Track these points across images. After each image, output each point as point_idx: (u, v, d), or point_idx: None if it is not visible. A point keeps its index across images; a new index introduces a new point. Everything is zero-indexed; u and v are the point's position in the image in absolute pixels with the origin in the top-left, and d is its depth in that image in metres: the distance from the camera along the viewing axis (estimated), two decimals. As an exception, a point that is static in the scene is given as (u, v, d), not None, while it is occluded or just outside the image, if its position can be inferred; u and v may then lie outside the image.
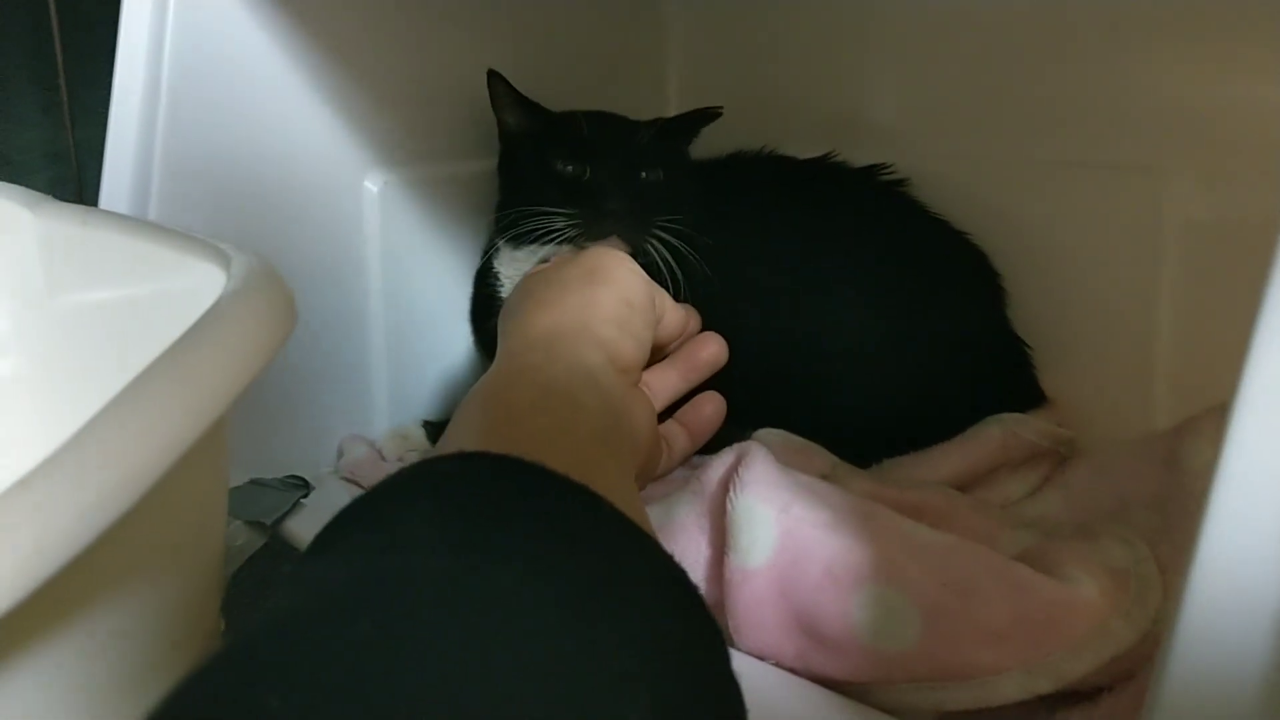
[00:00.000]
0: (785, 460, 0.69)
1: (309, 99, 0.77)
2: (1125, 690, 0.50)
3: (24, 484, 0.32)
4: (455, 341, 0.92)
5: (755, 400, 0.80)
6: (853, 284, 0.83)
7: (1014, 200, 0.88)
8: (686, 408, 0.74)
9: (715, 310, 0.82)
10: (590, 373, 0.55)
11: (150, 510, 0.35)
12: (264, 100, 0.74)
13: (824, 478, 0.68)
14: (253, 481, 0.66)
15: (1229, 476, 0.32)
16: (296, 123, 0.77)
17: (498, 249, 0.87)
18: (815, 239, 0.85)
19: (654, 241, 0.79)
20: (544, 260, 0.83)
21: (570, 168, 0.81)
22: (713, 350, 0.74)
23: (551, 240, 0.79)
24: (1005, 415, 0.76)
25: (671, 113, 0.90)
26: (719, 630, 0.35)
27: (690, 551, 0.60)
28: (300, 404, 0.78)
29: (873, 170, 0.89)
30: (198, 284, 0.50)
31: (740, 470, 0.59)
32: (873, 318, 0.82)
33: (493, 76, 0.84)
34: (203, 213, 0.71)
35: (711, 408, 0.75)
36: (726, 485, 0.59)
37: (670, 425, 0.73)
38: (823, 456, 0.74)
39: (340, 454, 0.80)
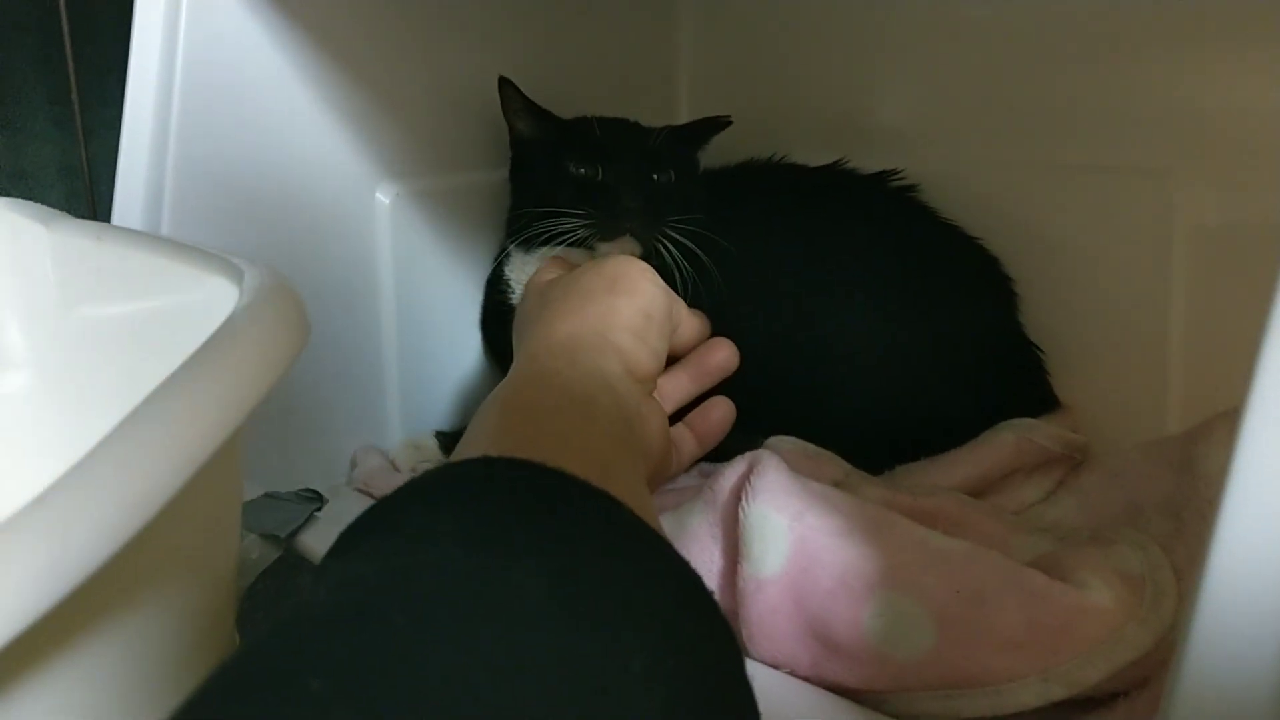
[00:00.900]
0: (798, 468, 0.69)
1: (320, 112, 0.78)
2: (1140, 696, 0.50)
3: (42, 501, 0.32)
4: (467, 351, 0.92)
5: (767, 407, 0.80)
6: (864, 290, 0.83)
7: (1025, 204, 0.88)
8: (695, 412, 0.75)
9: (726, 315, 0.82)
10: (607, 380, 0.56)
11: (165, 525, 0.36)
12: (275, 114, 0.75)
13: (837, 485, 0.68)
14: (267, 495, 0.66)
15: (1241, 481, 0.32)
16: (308, 136, 0.77)
17: (508, 254, 0.87)
18: (826, 245, 0.85)
19: (666, 242, 0.79)
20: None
21: (583, 169, 0.82)
22: (724, 355, 0.75)
23: (563, 241, 0.80)
24: (1018, 420, 0.76)
25: (682, 121, 0.90)
26: (732, 633, 0.36)
27: (703, 560, 0.60)
28: (313, 416, 0.79)
29: (883, 176, 0.89)
30: (211, 298, 0.50)
31: (752, 478, 0.59)
32: (884, 323, 0.82)
33: (504, 83, 0.84)
34: (215, 226, 0.72)
35: (720, 412, 0.75)
36: (739, 494, 0.59)
37: (679, 429, 0.73)
38: (835, 464, 0.73)
39: (354, 465, 0.80)
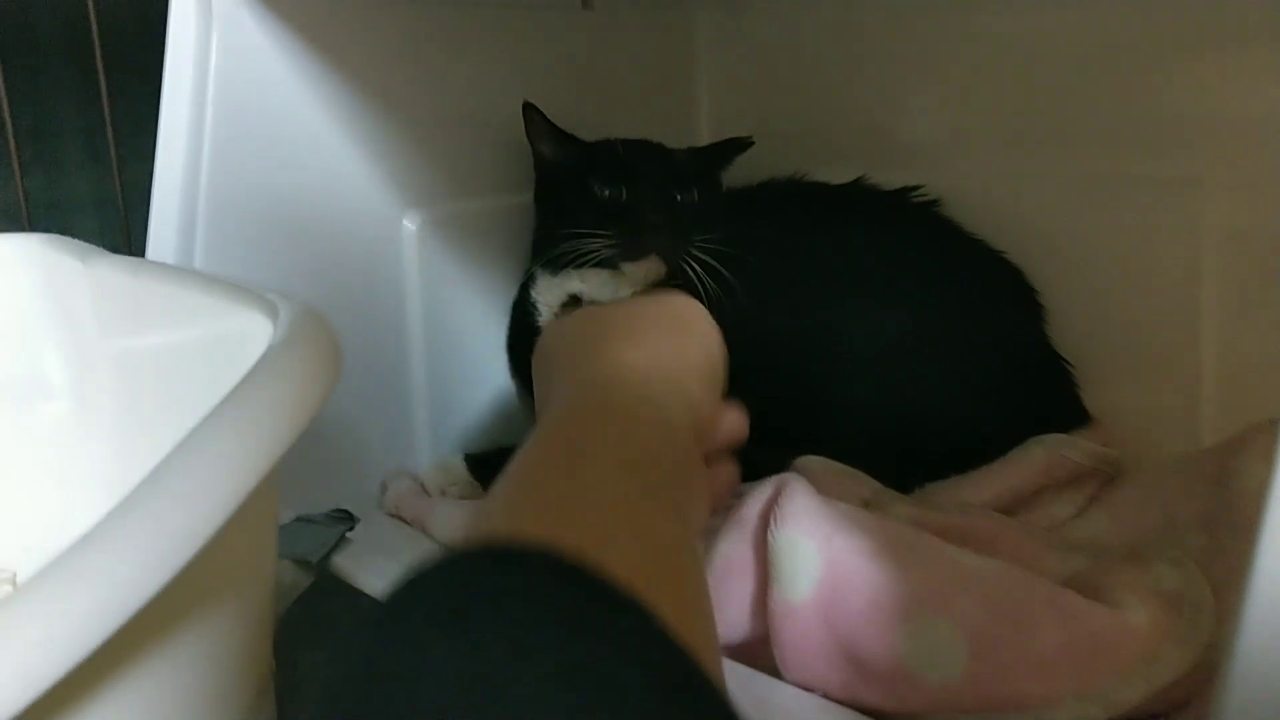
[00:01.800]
0: (826, 487, 0.69)
1: (347, 141, 0.79)
2: (1180, 718, 0.50)
3: (91, 538, 0.33)
4: (495, 374, 0.92)
5: (795, 426, 0.80)
6: (888, 307, 0.83)
7: (1051, 216, 0.87)
8: None
9: (751, 333, 0.82)
10: (673, 433, 0.47)
11: (206, 558, 0.36)
12: (304, 145, 0.76)
13: (865, 504, 0.68)
14: (299, 519, 0.67)
15: None
16: (336, 165, 0.78)
17: (534, 276, 0.87)
18: (849, 262, 0.85)
19: (692, 261, 0.79)
20: (575, 294, 0.84)
21: (608, 191, 0.82)
22: (733, 420, 0.67)
23: (588, 262, 0.80)
24: (1049, 436, 0.76)
25: (703, 141, 0.90)
26: None
27: (735, 586, 0.60)
28: (343, 439, 0.79)
29: (905, 192, 0.89)
30: (245, 332, 0.51)
31: (780, 503, 0.59)
32: (910, 339, 0.82)
33: (528, 108, 0.85)
34: (247, 254, 0.73)
35: (728, 473, 0.72)
36: (767, 518, 0.59)
37: None
38: (864, 482, 0.73)
39: (384, 489, 0.80)
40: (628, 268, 0.81)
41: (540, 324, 0.87)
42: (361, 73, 0.78)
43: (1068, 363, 0.84)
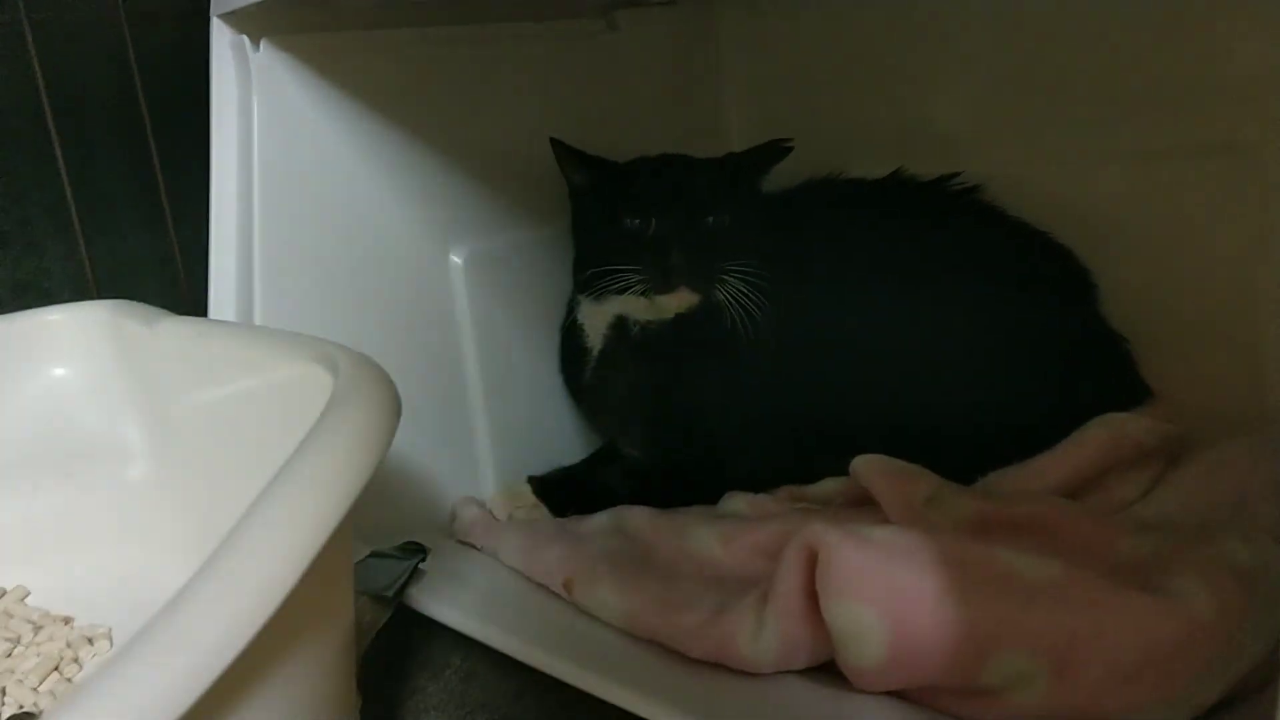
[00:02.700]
0: (886, 486, 0.69)
1: (390, 183, 0.81)
2: (1261, 700, 0.49)
3: (178, 603, 0.35)
4: (551, 396, 0.94)
5: (849, 429, 0.81)
6: (938, 297, 0.83)
7: (1097, 194, 0.87)
8: None
9: (796, 344, 0.83)
10: None
11: (289, 610, 0.38)
12: (348, 190, 0.78)
13: (928, 501, 0.68)
14: (372, 554, 0.69)
15: None
16: (381, 207, 0.81)
17: (578, 303, 0.90)
18: (894, 256, 0.85)
19: (723, 289, 0.80)
20: (620, 315, 0.86)
21: (636, 221, 0.83)
22: None
23: (626, 293, 0.83)
24: (1110, 415, 0.74)
25: (734, 144, 0.91)
26: None
27: (802, 657, 0.58)
28: (410, 472, 0.81)
29: (944, 180, 0.88)
30: (307, 382, 0.53)
31: (827, 571, 0.55)
32: (961, 329, 0.82)
33: (555, 142, 0.87)
34: (303, 303, 0.76)
35: None
36: (811, 587, 0.56)
37: None
38: (926, 478, 0.73)
39: (453, 518, 0.82)
40: (660, 300, 0.83)
41: (589, 345, 0.89)
42: (398, 114, 0.81)
43: (1125, 339, 0.83)
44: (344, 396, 0.45)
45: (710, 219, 0.84)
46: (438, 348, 0.84)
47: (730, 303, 0.80)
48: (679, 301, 0.83)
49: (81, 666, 0.63)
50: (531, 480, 0.85)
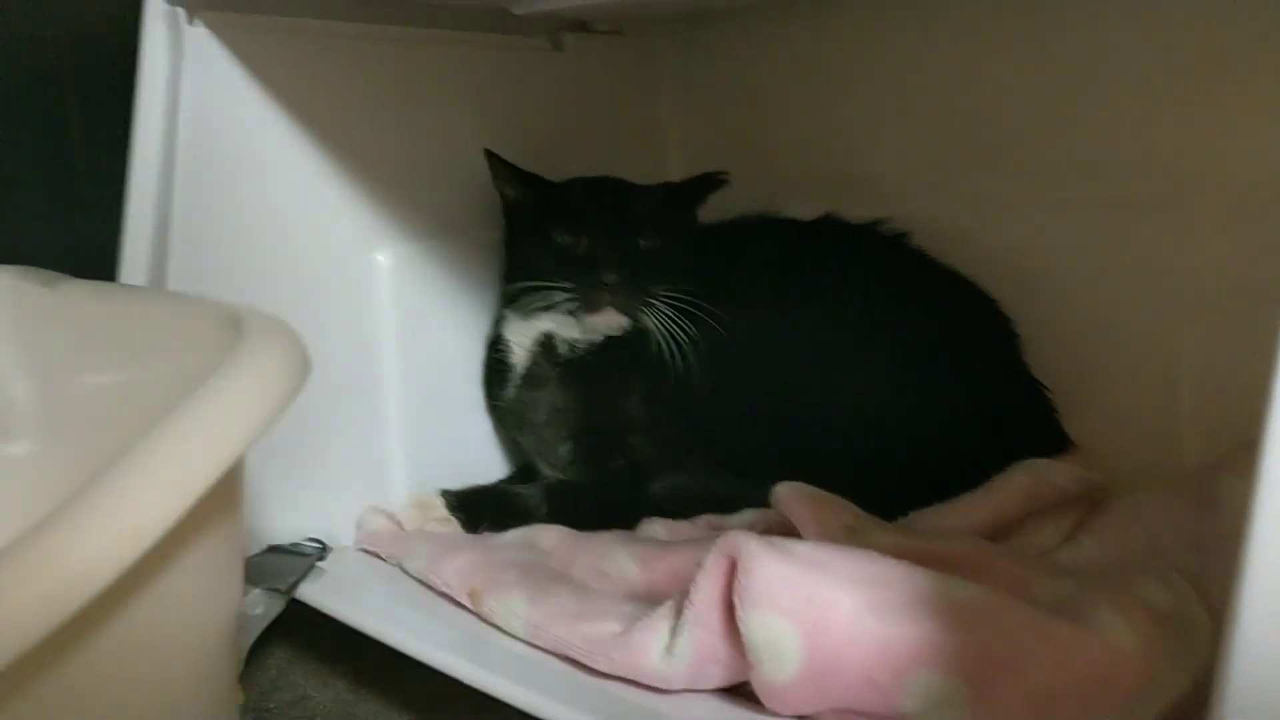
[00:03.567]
0: (807, 513, 0.67)
1: (318, 179, 0.79)
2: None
3: (43, 526, 0.32)
4: (471, 409, 0.92)
5: (773, 456, 0.80)
6: (863, 337, 0.83)
7: (1024, 244, 0.88)
8: None
9: (723, 371, 0.82)
10: None
11: (158, 569, 0.35)
12: (274, 182, 0.76)
13: (849, 530, 0.67)
14: (270, 549, 0.65)
15: (1265, 512, 0.32)
16: (305, 203, 0.78)
17: (505, 318, 0.88)
18: (822, 295, 0.86)
19: (649, 312, 0.80)
20: (548, 333, 0.85)
21: (568, 239, 0.83)
22: None
23: (553, 310, 0.82)
24: (1032, 461, 0.75)
25: (672, 174, 0.91)
26: None
27: (716, 673, 0.56)
28: (317, 475, 0.78)
29: (874, 225, 0.90)
30: (214, 351, 0.50)
31: (743, 580, 0.53)
32: (885, 369, 0.82)
33: (490, 155, 0.86)
34: (218, 289, 0.72)
35: None
36: (729, 597, 0.54)
37: None
38: (847, 508, 0.72)
39: (359, 527, 0.79)
40: (588, 320, 0.82)
41: (513, 361, 0.87)
42: (331, 107, 0.79)
43: (1045, 389, 0.84)
44: (245, 348, 0.43)
45: (642, 242, 0.84)
46: (355, 349, 0.81)
47: (658, 327, 0.80)
48: (607, 322, 0.82)
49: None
50: (445, 494, 0.82)
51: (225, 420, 0.37)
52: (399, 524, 0.79)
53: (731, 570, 0.54)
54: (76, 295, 0.62)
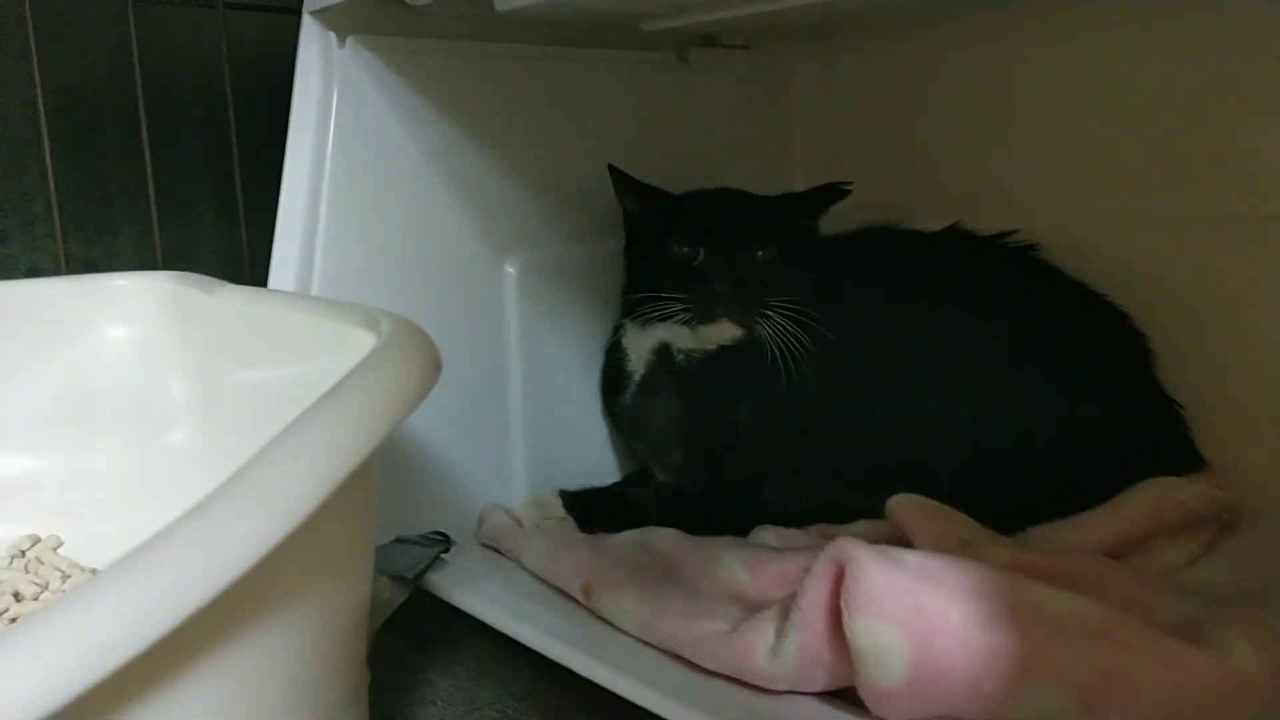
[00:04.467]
0: (922, 525, 0.67)
1: (453, 190, 0.83)
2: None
3: (193, 512, 0.35)
4: (590, 413, 0.95)
5: (889, 469, 0.80)
6: (988, 349, 0.82)
7: (1158, 258, 0.86)
8: None
9: (841, 387, 0.83)
10: None
11: (300, 551, 0.38)
12: (413, 191, 0.81)
13: (963, 544, 0.66)
14: (397, 540, 0.69)
15: None
16: (441, 211, 0.83)
17: (624, 327, 0.91)
18: (947, 308, 0.85)
19: (763, 322, 0.81)
20: (664, 343, 0.87)
21: (685, 250, 0.85)
22: None
23: (669, 320, 0.84)
24: (1159, 479, 0.73)
25: (797, 186, 0.92)
26: None
27: (820, 677, 0.57)
28: (443, 473, 0.82)
29: (1001, 237, 0.88)
30: (350, 340, 0.54)
31: (850, 586, 0.53)
32: (1010, 382, 0.80)
33: (613, 170, 0.89)
34: (358, 293, 0.77)
35: None
36: (836, 604, 0.54)
37: None
38: (962, 522, 0.71)
39: (480, 522, 0.82)
40: (702, 330, 0.84)
41: (631, 369, 0.90)
42: (467, 123, 0.83)
43: (1179, 405, 0.81)
44: (382, 348, 0.46)
45: (759, 253, 0.85)
46: (483, 353, 0.85)
47: (773, 338, 0.81)
48: (720, 332, 0.84)
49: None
50: (562, 494, 0.85)
51: (361, 415, 0.40)
52: (518, 521, 0.82)
53: (839, 576, 0.55)
54: (232, 299, 0.67)
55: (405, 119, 0.80)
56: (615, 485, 0.93)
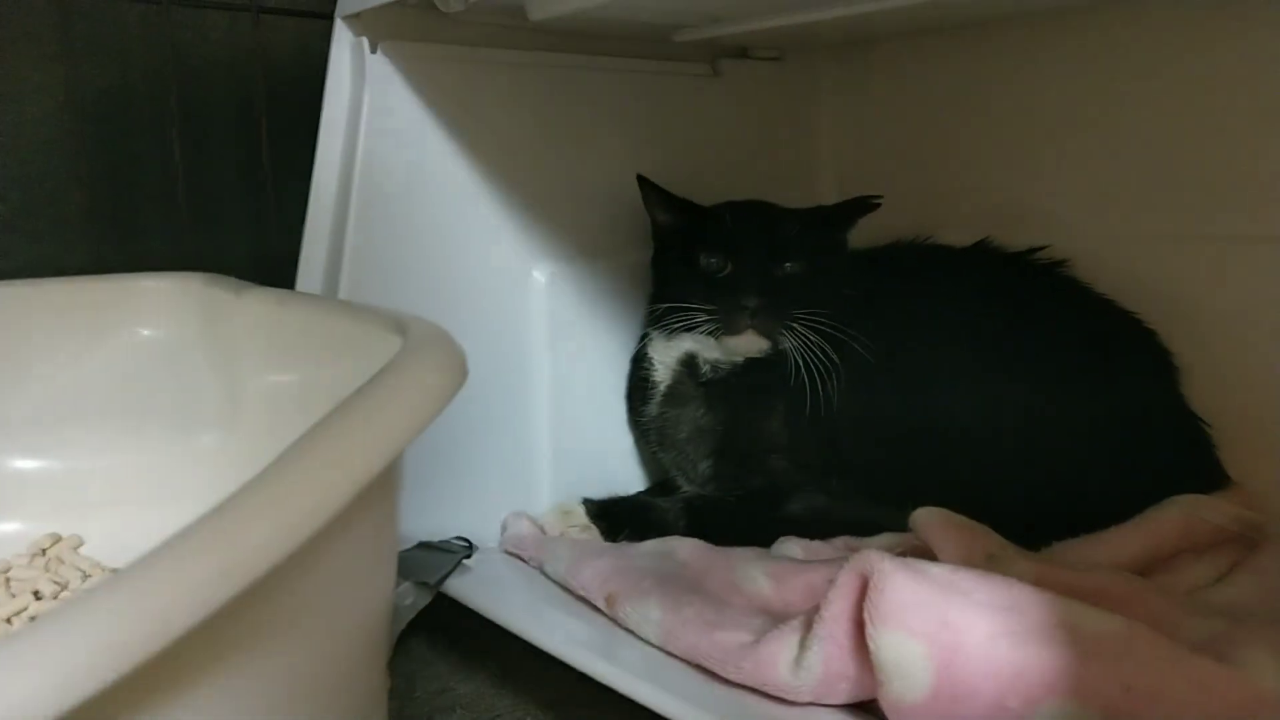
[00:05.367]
0: (947, 539, 0.67)
1: (481, 199, 0.83)
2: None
3: (215, 512, 0.35)
4: (616, 422, 0.95)
5: (913, 485, 0.79)
6: (1015, 365, 0.81)
7: (1187, 276, 0.85)
8: None
9: (867, 400, 0.82)
10: None
11: (320, 556, 0.38)
12: (442, 196, 0.81)
13: (989, 558, 0.66)
14: (420, 545, 0.69)
15: None
16: (471, 221, 0.83)
17: (651, 337, 0.91)
18: (974, 323, 0.84)
19: (789, 335, 0.81)
20: (691, 353, 0.87)
21: (713, 261, 0.85)
22: None
23: (695, 331, 0.84)
24: (1186, 496, 0.72)
25: (826, 199, 0.92)
26: None
27: (843, 690, 0.56)
28: (467, 479, 0.82)
29: (1030, 253, 0.88)
30: (381, 347, 0.54)
31: (874, 597, 0.53)
32: (1037, 398, 0.80)
33: (642, 180, 0.89)
34: (384, 297, 0.77)
35: None
36: (860, 615, 0.54)
37: None
38: (988, 536, 0.70)
39: (504, 529, 0.82)
40: (728, 342, 0.84)
41: (657, 379, 0.90)
42: (498, 129, 0.84)
43: (1206, 423, 0.80)
44: (407, 353, 0.46)
45: (787, 266, 0.85)
46: (510, 360, 0.85)
47: (799, 350, 0.80)
48: (747, 344, 0.84)
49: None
50: (587, 502, 0.85)
51: (386, 419, 0.40)
52: (541, 528, 0.82)
53: (864, 588, 0.54)
54: (261, 301, 0.68)
55: (436, 125, 0.80)
56: (640, 495, 0.93)
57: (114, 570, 0.68)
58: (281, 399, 0.68)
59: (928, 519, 0.70)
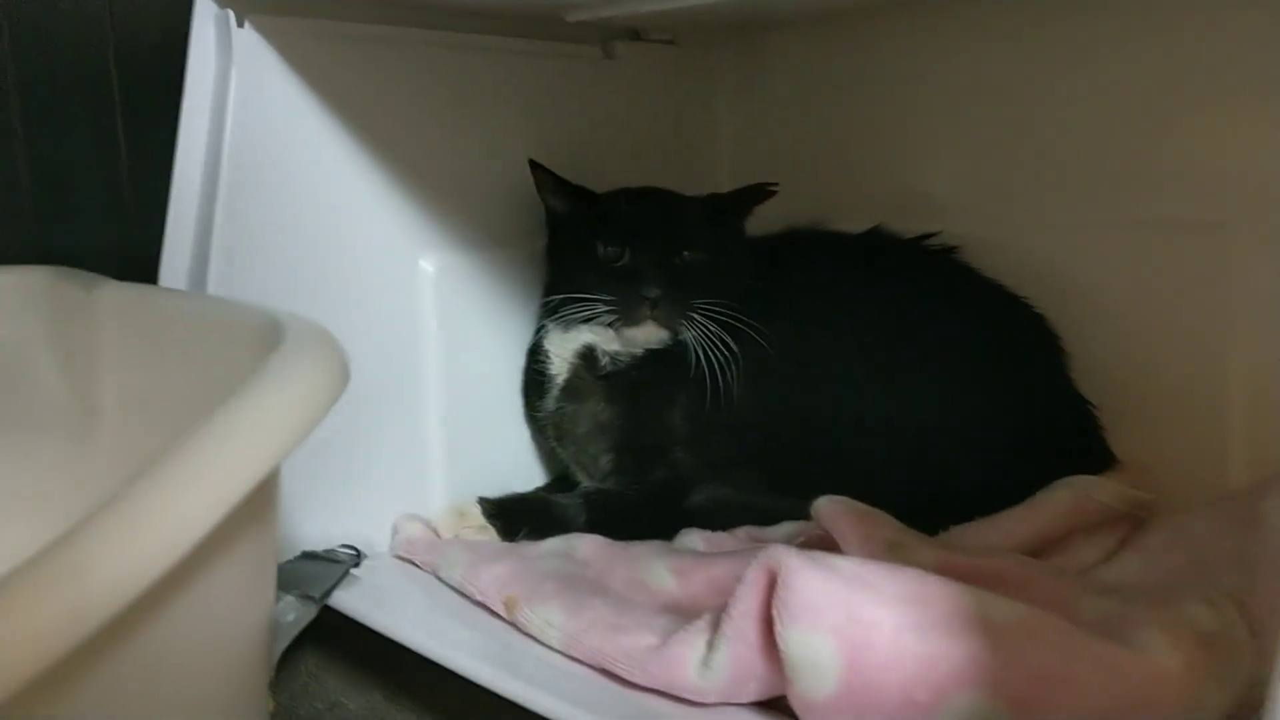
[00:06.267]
0: (849, 528, 0.67)
1: (363, 186, 0.79)
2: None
3: (75, 535, 0.31)
4: (509, 417, 0.92)
5: (814, 471, 0.79)
6: (908, 351, 0.82)
7: (1074, 262, 0.87)
8: None
9: (767, 385, 0.82)
10: None
11: (188, 576, 0.34)
12: (320, 183, 0.76)
13: (890, 546, 0.66)
14: (304, 555, 0.65)
15: None
16: (351, 209, 0.78)
17: (546, 329, 0.89)
18: (869, 309, 0.85)
19: (689, 325, 0.80)
20: (589, 345, 0.85)
21: (611, 250, 0.83)
22: None
23: (593, 322, 0.82)
24: (1075, 478, 0.73)
25: (723, 186, 0.90)
26: None
27: (753, 688, 0.55)
28: (354, 480, 0.78)
29: (922, 239, 0.89)
30: (255, 353, 0.50)
31: (782, 595, 0.52)
32: (931, 384, 0.81)
33: (534, 165, 0.86)
34: (260, 293, 0.72)
35: None
36: (767, 612, 0.53)
37: None
38: (888, 524, 0.71)
39: (395, 533, 0.79)
40: (628, 333, 0.82)
41: (553, 373, 0.87)
42: (379, 113, 0.79)
43: (1092, 405, 0.82)
44: (284, 355, 0.43)
45: (686, 255, 0.84)
46: (398, 356, 0.81)
47: (700, 341, 0.79)
48: (647, 335, 0.82)
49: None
50: (482, 501, 0.82)
51: (261, 430, 0.37)
52: (435, 531, 0.79)
53: (771, 585, 0.53)
54: (118, 298, 0.62)
55: (310, 105, 0.75)
56: (538, 491, 0.91)
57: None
58: (144, 407, 0.62)
59: (829, 507, 0.69)
